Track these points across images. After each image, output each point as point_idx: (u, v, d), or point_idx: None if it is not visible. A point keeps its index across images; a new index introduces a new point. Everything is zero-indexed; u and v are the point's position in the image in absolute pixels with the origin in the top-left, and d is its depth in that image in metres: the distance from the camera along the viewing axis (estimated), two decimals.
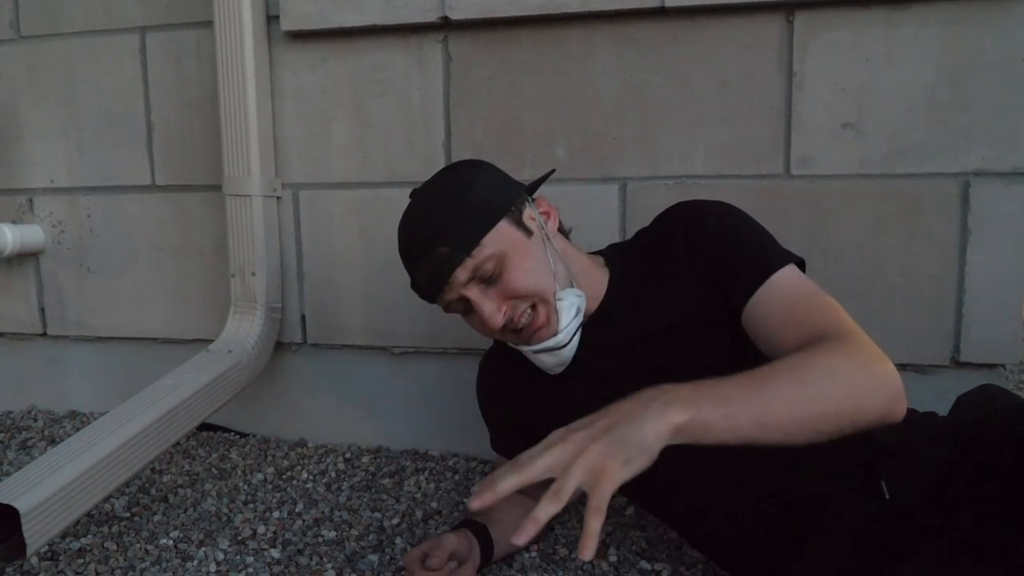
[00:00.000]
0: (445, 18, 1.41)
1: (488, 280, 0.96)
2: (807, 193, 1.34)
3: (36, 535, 0.95)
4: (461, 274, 0.95)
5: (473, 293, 0.96)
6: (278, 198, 1.57)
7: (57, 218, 1.74)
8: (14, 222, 1.73)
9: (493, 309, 0.95)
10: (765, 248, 0.96)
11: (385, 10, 1.44)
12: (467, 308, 0.99)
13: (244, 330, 1.50)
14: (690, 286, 0.97)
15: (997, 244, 1.27)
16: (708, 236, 0.97)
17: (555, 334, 0.98)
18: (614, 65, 1.39)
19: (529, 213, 1.03)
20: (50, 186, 1.74)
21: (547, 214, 1.05)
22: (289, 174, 1.58)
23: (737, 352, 0.93)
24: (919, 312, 1.31)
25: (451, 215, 0.96)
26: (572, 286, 1.01)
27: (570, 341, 0.99)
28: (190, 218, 1.66)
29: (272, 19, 1.52)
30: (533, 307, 0.97)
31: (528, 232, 1.01)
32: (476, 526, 1.08)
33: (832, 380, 0.76)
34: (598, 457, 0.66)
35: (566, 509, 1.31)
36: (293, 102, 1.56)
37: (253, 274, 1.52)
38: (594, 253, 1.14)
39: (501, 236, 0.97)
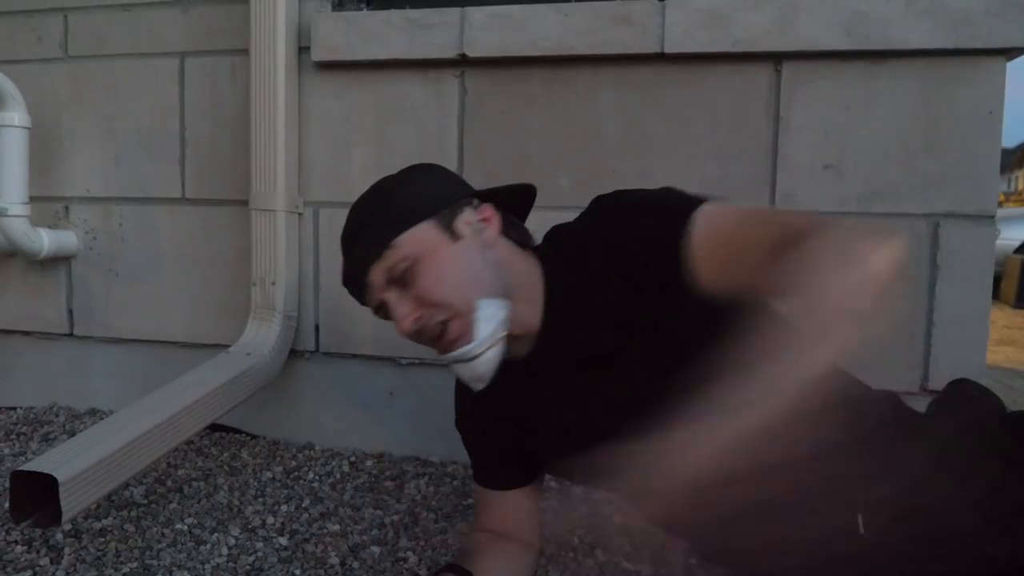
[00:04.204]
0: (463, 55, 1.54)
1: (404, 284, 0.91)
2: None
3: (71, 504, 1.04)
4: (376, 275, 0.91)
5: (391, 296, 0.91)
6: (300, 214, 1.69)
7: (90, 225, 1.86)
8: (50, 227, 1.84)
9: (405, 313, 0.90)
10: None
11: (408, 46, 1.57)
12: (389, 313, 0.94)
13: (262, 335, 1.60)
14: (637, 293, 0.88)
15: (963, 280, 1.37)
16: None
17: (469, 343, 0.91)
18: (617, 104, 1.51)
19: (465, 218, 0.95)
20: (86, 195, 1.85)
21: (487, 220, 0.96)
22: (311, 192, 1.69)
23: (693, 355, 0.83)
24: (892, 341, 1.40)
25: (371, 216, 0.94)
26: (505, 296, 0.92)
27: (482, 353, 0.91)
28: (215, 230, 1.77)
29: (303, 50, 1.65)
30: (448, 320, 0.90)
31: (455, 237, 0.93)
32: (461, 572, 0.99)
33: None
34: None
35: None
36: (319, 126, 1.68)
37: (273, 283, 1.62)
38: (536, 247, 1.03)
39: (419, 239, 0.91)
